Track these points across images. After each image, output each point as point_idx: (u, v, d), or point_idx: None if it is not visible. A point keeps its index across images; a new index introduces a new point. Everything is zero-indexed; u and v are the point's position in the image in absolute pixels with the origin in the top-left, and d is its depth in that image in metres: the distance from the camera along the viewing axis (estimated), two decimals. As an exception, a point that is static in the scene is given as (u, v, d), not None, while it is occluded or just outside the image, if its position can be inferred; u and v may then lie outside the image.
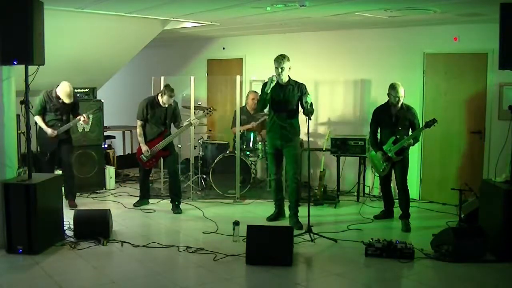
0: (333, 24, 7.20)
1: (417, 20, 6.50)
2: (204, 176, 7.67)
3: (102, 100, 7.79)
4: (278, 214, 6.22)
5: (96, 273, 4.50)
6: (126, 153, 9.94)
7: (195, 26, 7.61)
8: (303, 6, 5.48)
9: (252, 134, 7.57)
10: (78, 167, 7.35)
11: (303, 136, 6.30)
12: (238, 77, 7.32)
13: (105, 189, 7.74)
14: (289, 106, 5.88)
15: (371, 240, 4.98)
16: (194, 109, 7.27)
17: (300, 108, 5.92)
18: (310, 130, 5.87)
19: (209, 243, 5.23)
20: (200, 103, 7.90)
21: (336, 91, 8.09)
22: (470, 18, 6.19)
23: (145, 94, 6.76)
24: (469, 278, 4.47)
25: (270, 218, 6.17)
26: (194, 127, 7.04)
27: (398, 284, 4.53)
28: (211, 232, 5.70)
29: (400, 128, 5.94)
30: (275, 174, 6.15)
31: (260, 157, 7.68)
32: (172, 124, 6.76)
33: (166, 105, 6.51)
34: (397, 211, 6.20)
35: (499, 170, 5.29)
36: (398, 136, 5.92)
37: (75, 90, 7.30)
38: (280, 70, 5.80)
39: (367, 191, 7.63)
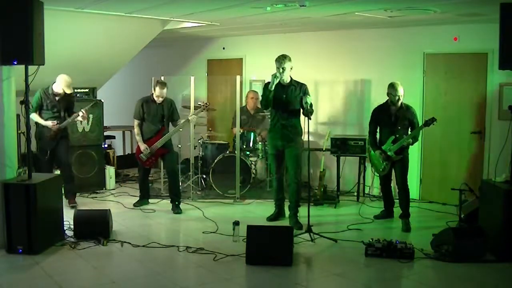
0: (333, 24, 7.20)
1: (417, 20, 6.50)
2: (204, 176, 7.67)
3: (102, 100, 7.79)
4: (278, 214, 6.21)
5: (96, 273, 4.50)
6: (126, 153, 9.94)
7: (195, 26, 7.61)
8: (303, 6, 5.48)
9: (252, 134, 7.57)
10: (78, 167, 7.36)
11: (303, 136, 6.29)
12: (238, 77, 7.32)
13: (105, 189, 7.74)
14: (291, 106, 5.86)
15: (371, 240, 4.98)
16: (194, 109, 7.27)
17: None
18: (310, 130, 5.89)
19: (209, 243, 5.23)
20: (200, 103, 7.89)
21: (336, 91, 8.09)
22: (470, 18, 6.19)
23: (145, 94, 6.76)
24: (469, 278, 4.47)
25: (270, 218, 6.17)
26: (195, 126, 7.04)
27: (398, 284, 4.54)
28: (211, 232, 5.70)
29: (399, 128, 5.94)
30: (276, 174, 6.14)
31: (260, 157, 7.68)
32: (170, 123, 6.76)
33: (161, 99, 6.52)
34: (397, 211, 6.20)
35: (499, 170, 5.29)
36: (397, 136, 5.92)
37: (75, 90, 7.34)
38: (281, 70, 5.77)
39: (367, 191, 7.63)
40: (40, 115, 6.41)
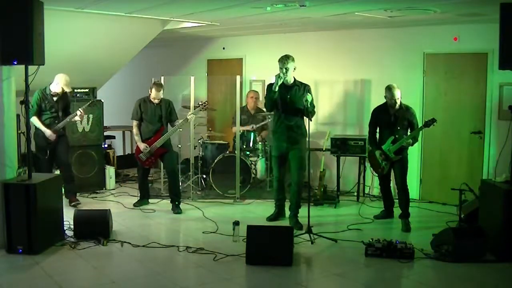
0: (333, 24, 7.20)
1: (417, 20, 6.50)
2: (204, 176, 7.67)
3: (102, 100, 7.79)
4: (278, 214, 6.20)
5: (96, 273, 4.50)
6: (126, 153, 9.94)
7: (195, 26, 7.61)
8: (303, 6, 5.48)
9: (252, 134, 7.57)
10: (78, 167, 7.36)
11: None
12: (238, 77, 7.32)
13: (105, 189, 7.74)
14: (295, 107, 5.80)
15: (371, 240, 4.98)
16: (194, 109, 7.27)
17: None
18: (310, 130, 5.88)
19: (209, 243, 5.23)
20: (200, 103, 7.89)
21: (336, 91, 8.09)
22: (470, 18, 6.19)
23: (145, 94, 6.76)
24: (469, 278, 4.47)
25: (270, 218, 6.16)
26: (195, 126, 7.04)
27: (398, 284, 4.54)
28: (211, 232, 5.70)
29: (398, 128, 5.94)
30: (277, 176, 6.09)
31: (260, 157, 7.68)
32: (169, 124, 6.76)
33: (157, 101, 6.52)
34: (397, 211, 6.20)
35: (499, 170, 5.29)
36: (397, 136, 5.92)
37: (75, 90, 7.35)
38: (284, 70, 5.72)
39: (367, 191, 7.63)
40: (38, 116, 6.41)
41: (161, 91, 6.52)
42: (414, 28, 7.19)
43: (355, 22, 6.92)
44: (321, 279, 4.51)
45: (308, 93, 5.73)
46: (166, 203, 6.85)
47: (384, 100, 6.05)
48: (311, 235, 5.37)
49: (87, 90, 7.65)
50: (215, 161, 7.34)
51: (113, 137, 9.79)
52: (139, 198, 6.94)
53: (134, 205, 6.81)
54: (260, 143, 7.66)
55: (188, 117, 6.66)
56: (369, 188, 7.62)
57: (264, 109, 7.78)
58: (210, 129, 8.36)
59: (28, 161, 5.15)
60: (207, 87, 9.70)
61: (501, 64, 4.75)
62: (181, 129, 6.92)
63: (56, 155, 6.57)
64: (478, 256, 4.82)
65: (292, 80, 5.85)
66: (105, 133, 8.28)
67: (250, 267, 4.64)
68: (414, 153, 6.98)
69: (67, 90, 6.41)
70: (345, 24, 7.25)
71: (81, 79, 7.46)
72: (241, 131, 7.45)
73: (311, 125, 5.76)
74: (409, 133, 5.95)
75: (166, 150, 6.64)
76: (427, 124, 5.81)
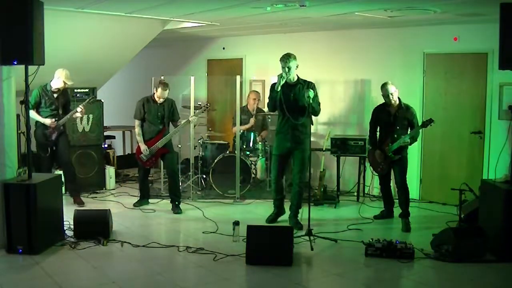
0: (333, 24, 7.20)
1: (417, 20, 6.50)
2: (204, 176, 7.67)
3: (102, 100, 7.79)
4: (278, 213, 6.14)
5: (96, 273, 4.50)
6: (126, 153, 9.94)
7: (195, 26, 7.61)
8: (303, 6, 5.48)
9: (252, 134, 7.57)
10: (78, 167, 7.35)
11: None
12: (238, 77, 7.32)
13: (105, 189, 7.74)
14: (299, 105, 5.72)
15: (371, 240, 4.98)
16: (194, 109, 7.27)
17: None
18: (311, 130, 5.87)
19: (209, 243, 5.23)
20: (200, 103, 7.89)
21: (336, 91, 8.09)
22: (470, 18, 6.19)
23: (145, 94, 6.76)
24: (469, 278, 4.47)
25: (269, 220, 6.08)
26: (195, 126, 7.04)
27: (398, 284, 4.53)
28: (211, 232, 5.70)
29: (398, 128, 5.94)
30: (277, 176, 5.97)
31: (260, 157, 7.68)
32: (170, 123, 6.76)
33: (162, 100, 6.51)
34: (397, 211, 6.20)
35: (499, 170, 5.28)
36: (396, 136, 5.92)
37: (75, 90, 7.35)
38: (286, 69, 5.65)
39: (367, 191, 7.63)
40: (38, 113, 6.42)
41: (167, 91, 6.50)
42: (414, 28, 7.19)
43: (355, 22, 6.92)
44: (321, 279, 4.51)
45: (311, 89, 5.62)
46: (166, 203, 6.85)
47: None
48: (311, 242, 5.21)
49: (87, 90, 7.65)
50: (215, 161, 7.34)
51: (113, 137, 9.79)
52: (139, 198, 6.94)
53: (134, 205, 6.81)
54: (260, 143, 7.66)
55: (190, 119, 6.66)
56: (369, 188, 7.62)
57: (264, 109, 7.80)
58: (210, 129, 8.36)
59: (28, 161, 5.15)
60: (207, 87, 9.70)
61: (501, 64, 4.75)
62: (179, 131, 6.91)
63: (58, 154, 6.58)
64: (478, 256, 4.82)
65: (295, 79, 5.79)
66: (105, 133, 8.28)
67: (250, 267, 4.64)
68: (414, 153, 6.98)
69: (69, 83, 6.40)
70: (345, 24, 7.25)
71: (81, 79, 7.46)
72: (241, 131, 7.45)
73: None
74: (409, 133, 5.96)
75: (167, 150, 6.63)
76: (425, 124, 5.80)
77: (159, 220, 6.27)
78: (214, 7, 5.93)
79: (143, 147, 6.55)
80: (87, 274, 4.47)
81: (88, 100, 6.87)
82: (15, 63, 4.73)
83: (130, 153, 9.79)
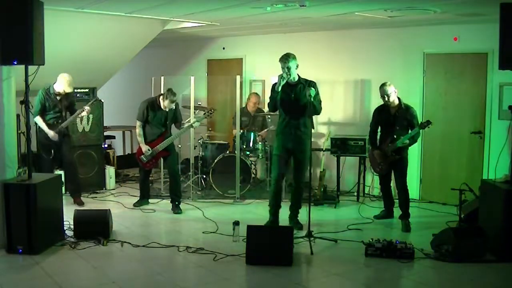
0: (333, 24, 7.20)
1: (417, 20, 6.50)
2: (204, 176, 7.67)
3: (102, 100, 7.79)
4: (273, 222, 5.84)
5: (96, 273, 4.50)
6: (126, 153, 9.94)
7: (195, 26, 7.61)
8: (303, 6, 5.48)
9: (252, 134, 7.56)
10: (78, 167, 7.34)
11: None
12: (238, 77, 7.32)
13: (105, 189, 7.74)
14: (300, 105, 5.68)
15: (371, 240, 4.98)
16: (194, 109, 7.27)
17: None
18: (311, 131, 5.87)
19: (209, 243, 5.23)
20: (200, 103, 7.90)
21: (336, 91, 8.09)
22: (470, 18, 6.19)
23: (145, 94, 6.77)
24: (469, 278, 4.47)
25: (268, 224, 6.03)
26: (195, 128, 7.04)
27: (398, 284, 4.53)
28: (211, 232, 5.70)
29: (397, 128, 5.94)
30: (277, 177, 5.85)
31: (260, 157, 7.68)
32: (173, 125, 6.76)
33: (167, 109, 6.50)
34: (397, 211, 6.20)
35: (499, 170, 5.28)
36: (395, 136, 5.92)
37: (75, 90, 7.34)
38: (286, 70, 5.60)
39: (367, 191, 7.63)
40: (42, 115, 6.41)
41: (175, 102, 6.46)
42: (414, 28, 7.19)
43: (355, 22, 6.92)
44: (321, 279, 4.51)
45: (312, 88, 5.56)
46: (166, 203, 6.85)
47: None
48: (311, 246, 5.12)
49: (87, 90, 7.66)
50: (215, 161, 7.34)
51: (113, 137, 9.80)
52: (139, 198, 6.94)
53: (134, 205, 6.81)
54: (260, 143, 7.66)
55: (193, 125, 6.65)
56: (369, 188, 7.62)
57: (264, 110, 7.79)
58: (210, 129, 8.36)
59: (28, 161, 5.15)
60: (207, 87, 9.70)
61: (501, 64, 4.75)
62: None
63: (61, 156, 6.59)
64: (478, 256, 4.82)
65: (296, 78, 5.74)
66: (105, 133, 8.28)
67: (250, 267, 4.64)
68: (414, 153, 6.98)
69: (68, 90, 6.41)
70: (345, 24, 7.25)
71: (81, 79, 7.46)
72: (241, 131, 7.45)
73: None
74: (408, 133, 5.95)
75: (168, 152, 6.63)
76: (423, 125, 5.79)
77: (159, 220, 6.27)
78: (214, 7, 5.93)
79: (144, 147, 6.54)
80: (87, 274, 4.47)
81: (92, 101, 6.88)
82: (15, 63, 4.73)
83: (130, 153, 9.80)
